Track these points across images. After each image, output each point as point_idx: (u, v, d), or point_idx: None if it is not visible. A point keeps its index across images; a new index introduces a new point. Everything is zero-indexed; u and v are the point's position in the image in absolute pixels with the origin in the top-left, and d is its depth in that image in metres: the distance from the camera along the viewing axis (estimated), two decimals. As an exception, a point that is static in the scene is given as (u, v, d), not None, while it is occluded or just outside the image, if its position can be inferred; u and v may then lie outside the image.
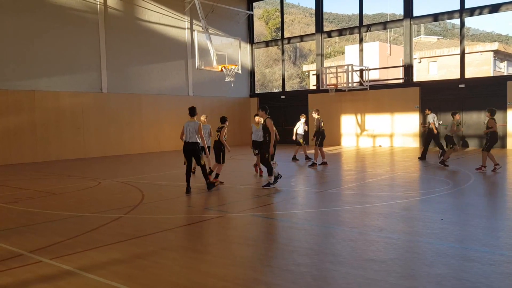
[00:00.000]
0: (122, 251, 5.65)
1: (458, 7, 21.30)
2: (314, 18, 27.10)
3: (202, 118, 12.94)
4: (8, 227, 7.08)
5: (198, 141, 9.76)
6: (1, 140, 17.52)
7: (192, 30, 24.28)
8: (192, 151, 9.76)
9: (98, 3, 20.63)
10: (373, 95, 23.43)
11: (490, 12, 20.87)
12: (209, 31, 20.52)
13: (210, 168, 11.44)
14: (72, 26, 19.73)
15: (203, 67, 19.92)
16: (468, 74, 22.31)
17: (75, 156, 19.73)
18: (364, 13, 24.51)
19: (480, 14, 21.15)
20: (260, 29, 54.28)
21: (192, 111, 9.98)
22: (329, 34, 27.39)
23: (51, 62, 19.06)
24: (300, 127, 15.96)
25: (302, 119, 15.97)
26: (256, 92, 29.48)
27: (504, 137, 19.86)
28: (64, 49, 19.46)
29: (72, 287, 4.47)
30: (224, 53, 20.61)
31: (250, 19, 28.54)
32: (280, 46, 28.56)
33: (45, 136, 18.79)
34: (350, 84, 22.51)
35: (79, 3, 19.99)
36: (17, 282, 4.62)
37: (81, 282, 4.60)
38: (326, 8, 79.76)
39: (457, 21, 22.97)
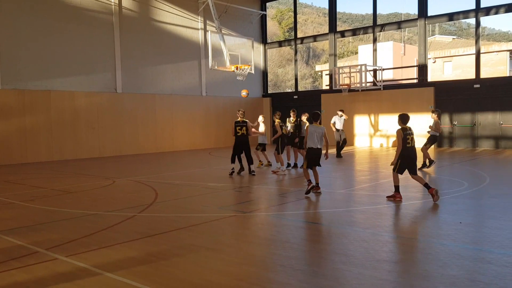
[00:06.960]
0: (137, 249, 5.72)
1: (473, 7, 21.04)
2: (327, 18, 27.00)
3: (260, 118, 13.49)
4: (25, 224, 7.21)
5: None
6: (17, 139, 17.81)
7: (205, 31, 24.39)
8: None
9: (113, 4, 20.83)
10: (386, 95, 23.28)
11: (506, 11, 20.55)
12: (222, 31, 20.59)
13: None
14: (87, 27, 19.96)
15: (216, 67, 19.98)
16: (483, 74, 22.04)
17: (90, 155, 19.95)
18: (378, 12, 24.36)
19: (496, 13, 20.87)
20: (273, 29, 54.20)
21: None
22: (343, 34, 27.26)
23: (66, 63, 19.30)
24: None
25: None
26: (268, 92, 29.48)
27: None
28: (79, 49, 19.69)
29: (87, 284, 4.54)
30: (237, 53, 20.66)
31: (263, 19, 28.56)
32: (293, 46, 28.52)
33: (61, 135, 19.04)
34: (363, 84, 22.39)
35: (94, 4, 20.21)
36: (34, 279, 4.71)
37: (96, 279, 4.67)
38: (340, 8, 79.51)
39: (472, 21, 22.64)
